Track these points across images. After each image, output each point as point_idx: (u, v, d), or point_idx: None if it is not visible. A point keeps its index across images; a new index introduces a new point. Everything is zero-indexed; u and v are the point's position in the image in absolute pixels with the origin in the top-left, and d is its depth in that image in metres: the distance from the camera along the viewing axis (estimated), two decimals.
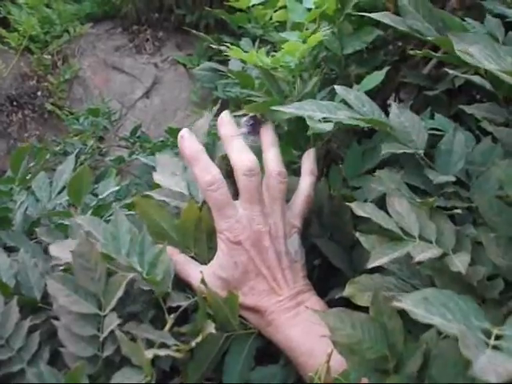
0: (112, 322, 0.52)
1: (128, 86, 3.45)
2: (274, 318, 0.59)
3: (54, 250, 0.59)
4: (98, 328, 0.53)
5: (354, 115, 0.60)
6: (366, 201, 0.67)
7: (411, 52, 0.68)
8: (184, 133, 0.64)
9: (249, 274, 0.60)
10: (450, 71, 0.64)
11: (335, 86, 0.64)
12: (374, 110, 0.62)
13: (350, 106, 0.62)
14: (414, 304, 0.37)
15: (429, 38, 0.61)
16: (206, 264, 0.63)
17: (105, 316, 0.53)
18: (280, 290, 0.60)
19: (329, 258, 0.65)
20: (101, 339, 0.52)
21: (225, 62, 1.09)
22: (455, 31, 0.61)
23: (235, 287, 0.60)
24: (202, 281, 0.57)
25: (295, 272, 0.62)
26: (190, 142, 0.63)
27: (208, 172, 0.61)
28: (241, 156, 0.62)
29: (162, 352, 0.48)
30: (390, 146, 0.60)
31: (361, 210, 0.55)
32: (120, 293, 0.53)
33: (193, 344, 0.50)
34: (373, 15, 0.64)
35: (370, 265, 0.50)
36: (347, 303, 0.55)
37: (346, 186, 0.72)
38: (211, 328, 0.52)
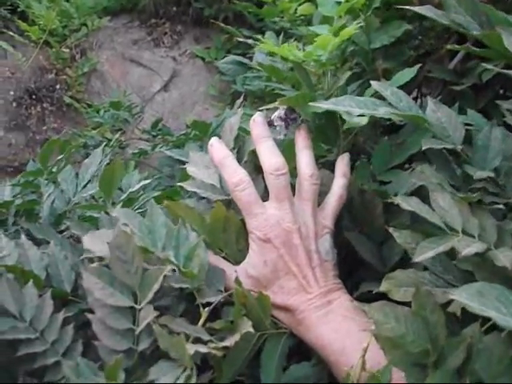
0: (148, 315, 0.52)
1: (146, 80, 3.46)
2: (304, 317, 0.59)
3: (87, 241, 0.59)
4: (133, 321, 0.53)
5: (395, 111, 0.60)
6: (396, 195, 0.67)
7: (449, 46, 0.67)
8: (213, 141, 0.67)
9: (278, 272, 0.61)
10: (488, 66, 0.64)
11: (372, 82, 0.64)
12: (411, 106, 0.62)
13: (386, 101, 0.62)
14: (468, 297, 0.37)
15: (474, 33, 0.60)
16: (236, 265, 0.63)
17: (140, 309, 0.53)
18: (310, 287, 0.60)
19: (359, 252, 0.65)
20: (136, 332, 0.52)
21: (244, 55, 1.08)
22: (499, 26, 0.60)
23: (265, 286, 0.61)
24: (237, 280, 0.57)
25: (325, 271, 0.62)
26: (218, 148, 0.66)
27: (235, 174, 0.63)
28: (270, 157, 0.63)
29: (203, 349, 0.48)
30: (429, 142, 0.60)
31: (406, 203, 0.55)
32: (157, 286, 0.53)
33: (232, 342, 0.50)
34: (416, 9, 0.63)
35: (416, 259, 0.50)
36: (377, 298, 0.55)
37: (374, 180, 0.72)
38: (248, 326, 0.52)
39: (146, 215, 0.58)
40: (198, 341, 0.51)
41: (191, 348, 0.47)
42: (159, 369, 0.49)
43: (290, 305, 0.60)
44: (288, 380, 0.58)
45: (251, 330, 0.52)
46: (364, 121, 0.60)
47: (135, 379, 0.51)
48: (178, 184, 0.68)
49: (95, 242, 0.59)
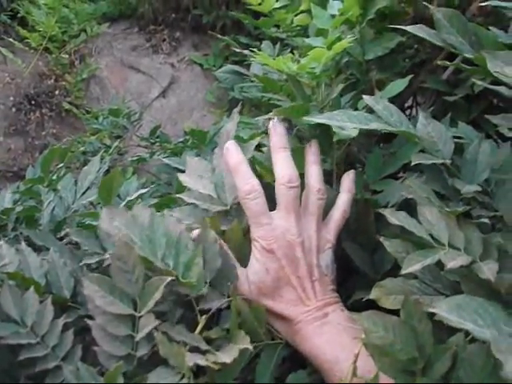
0: (149, 323, 0.53)
1: (145, 86, 3.48)
2: (300, 328, 0.60)
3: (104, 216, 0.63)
4: (132, 328, 0.54)
5: (386, 127, 0.61)
6: (387, 204, 0.68)
7: (439, 62, 0.69)
8: (229, 145, 0.67)
9: (279, 282, 0.62)
10: (478, 82, 0.65)
11: (364, 96, 0.65)
12: (402, 120, 0.63)
13: (378, 116, 0.63)
14: (447, 310, 0.39)
15: (464, 54, 0.62)
16: None
17: (140, 317, 0.54)
18: (308, 300, 0.61)
19: (354, 260, 0.66)
20: (137, 339, 0.54)
21: (241, 62, 1.10)
22: (488, 46, 0.62)
23: (265, 294, 0.62)
24: (234, 288, 0.58)
25: (324, 285, 0.63)
26: (234, 153, 0.66)
27: (247, 182, 0.64)
28: (284, 168, 0.64)
29: (202, 361, 0.49)
30: (419, 157, 0.61)
31: (394, 218, 0.56)
32: (158, 295, 0.54)
33: (231, 359, 0.50)
34: (407, 28, 0.65)
35: (404, 271, 0.51)
36: (370, 305, 0.57)
37: (367, 189, 0.73)
38: (246, 342, 0.53)
39: (147, 224, 0.59)
40: (195, 350, 0.52)
41: (190, 359, 0.49)
42: (157, 374, 0.51)
43: (287, 315, 0.61)
44: None
45: (249, 346, 0.53)
46: (354, 133, 0.61)
47: None
48: (176, 195, 0.69)
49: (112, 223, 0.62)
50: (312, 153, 0.68)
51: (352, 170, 0.70)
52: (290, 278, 0.61)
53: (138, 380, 0.51)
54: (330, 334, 0.59)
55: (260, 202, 0.63)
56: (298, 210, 0.64)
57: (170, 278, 0.54)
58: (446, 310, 0.39)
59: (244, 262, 0.64)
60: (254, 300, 0.62)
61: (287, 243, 0.62)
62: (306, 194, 0.66)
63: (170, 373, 0.51)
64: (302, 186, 0.66)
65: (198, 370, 0.55)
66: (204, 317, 0.56)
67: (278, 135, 0.66)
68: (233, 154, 0.66)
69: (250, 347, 0.53)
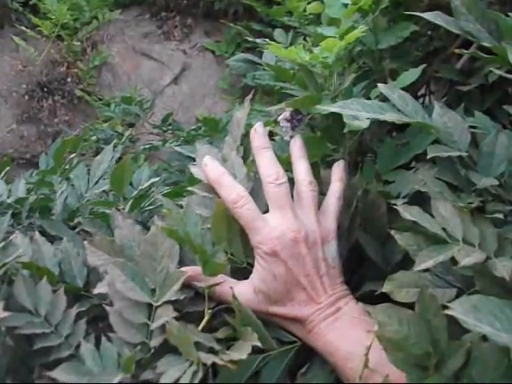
0: (167, 313, 0.53)
1: (156, 73, 3.48)
2: (313, 326, 0.59)
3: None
4: (148, 317, 0.55)
5: (401, 117, 0.60)
6: (399, 195, 0.68)
7: (457, 51, 0.68)
8: (207, 160, 0.66)
9: (288, 286, 0.60)
10: (496, 71, 0.64)
11: (379, 85, 0.65)
12: (418, 110, 0.62)
13: (391, 103, 0.62)
14: (463, 312, 0.38)
15: (483, 43, 0.61)
16: (243, 263, 0.64)
17: (158, 306, 0.55)
18: (318, 298, 0.60)
19: (366, 250, 0.66)
20: (151, 328, 0.54)
21: (254, 49, 1.09)
22: (508, 34, 0.60)
23: (276, 300, 0.60)
24: (234, 297, 0.57)
25: (333, 278, 0.62)
26: (212, 167, 0.66)
27: (232, 191, 0.62)
28: (268, 167, 0.63)
29: (219, 361, 0.49)
30: (435, 149, 0.60)
31: (407, 213, 0.55)
32: (176, 287, 0.54)
33: (244, 355, 0.50)
34: (424, 15, 0.63)
35: (417, 268, 0.51)
36: (380, 297, 0.57)
37: (379, 179, 0.73)
38: (254, 339, 0.53)
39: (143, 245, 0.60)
40: (204, 348, 0.52)
41: (207, 358, 0.49)
42: (167, 361, 0.51)
43: (300, 316, 0.60)
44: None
45: (258, 343, 0.52)
46: (365, 124, 0.61)
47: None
48: (189, 188, 0.68)
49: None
50: (297, 147, 0.67)
51: (341, 160, 0.69)
52: (299, 279, 0.60)
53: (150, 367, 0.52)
54: (343, 329, 0.58)
55: (250, 207, 0.62)
56: (293, 205, 0.63)
57: (189, 273, 0.55)
58: (462, 311, 0.38)
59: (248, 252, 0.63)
60: (263, 311, 0.60)
61: (289, 241, 0.60)
62: (297, 189, 0.65)
63: (179, 360, 0.51)
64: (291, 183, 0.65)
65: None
66: (210, 311, 0.57)
67: (259, 137, 0.66)
68: (212, 169, 0.66)
69: (259, 343, 0.53)
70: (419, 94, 0.96)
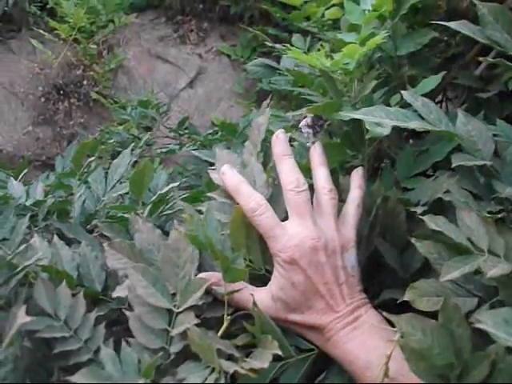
0: (188, 320, 0.54)
1: (172, 76, 3.49)
2: (332, 334, 0.59)
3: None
4: (169, 323, 0.55)
5: (425, 125, 0.59)
6: (419, 202, 0.68)
7: (481, 59, 0.67)
8: (225, 169, 0.67)
9: (307, 294, 0.60)
10: None
11: (402, 92, 0.64)
12: (441, 118, 0.62)
13: (412, 109, 0.62)
14: (494, 326, 0.38)
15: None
16: (262, 270, 0.64)
17: (178, 313, 0.55)
18: (337, 306, 0.60)
19: (385, 257, 0.65)
20: (172, 334, 0.54)
21: (270, 53, 1.09)
22: None
23: (294, 308, 0.60)
24: (254, 303, 0.57)
25: (352, 287, 0.61)
26: (230, 176, 0.66)
27: (251, 199, 0.63)
28: (289, 174, 0.63)
29: (241, 370, 0.49)
30: (459, 158, 0.60)
31: (433, 223, 0.55)
32: (199, 294, 0.55)
33: (265, 364, 0.50)
34: (450, 24, 0.63)
35: (443, 279, 0.50)
36: (399, 304, 0.56)
37: (398, 186, 0.73)
38: (275, 347, 0.53)
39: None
40: (223, 355, 0.52)
41: (229, 366, 0.49)
42: (187, 368, 0.51)
43: (319, 325, 0.59)
44: None
45: (279, 351, 0.52)
46: (386, 131, 0.60)
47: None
48: (208, 195, 0.68)
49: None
50: (318, 154, 0.67)
51: (360, 167, 0.69)
52: (318, 287, 0.59)
53: (170, 373, 0.52)
54: (362, 338, 0.58)
55: (269, 215, 0.62)
56: (312, 213, 0.62)
57: (211, 280, 0.55)
58: (492, 325, 0.38)
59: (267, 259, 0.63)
60: (281, 318, 0.60)
61: (309, 249, 0.60)
62: (316, 196, 0.65)
63: (199, 367, 0.52)
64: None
65: None
66: (229, 317, 0.56)
67: (280, 143, 0.66)
68: (230, 177, 0.66)
69: (280, 352, 0.52)
70: (436, 100, 0.95)
